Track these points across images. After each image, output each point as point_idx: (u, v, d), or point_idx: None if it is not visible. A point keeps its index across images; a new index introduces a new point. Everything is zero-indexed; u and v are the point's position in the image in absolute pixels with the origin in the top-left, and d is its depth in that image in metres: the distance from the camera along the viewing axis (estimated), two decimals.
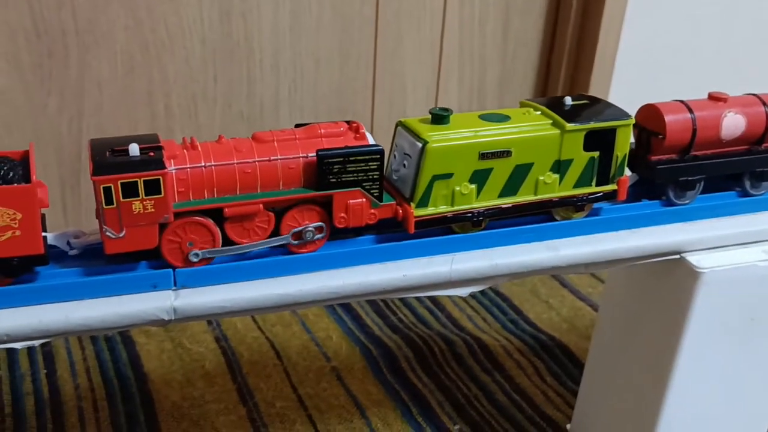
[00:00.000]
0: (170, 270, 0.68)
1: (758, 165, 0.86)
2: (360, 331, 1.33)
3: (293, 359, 1.24)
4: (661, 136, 0.82)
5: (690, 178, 0.83)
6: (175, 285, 0.68)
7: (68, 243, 0.70)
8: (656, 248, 0.81)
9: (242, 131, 1.46)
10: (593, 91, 1.64)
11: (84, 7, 1.26)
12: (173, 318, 0.67)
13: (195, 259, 0.68)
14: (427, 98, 1.60)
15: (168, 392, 1.16)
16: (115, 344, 1.26)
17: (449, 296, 0.80)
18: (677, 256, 0.82)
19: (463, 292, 0.76)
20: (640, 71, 1.68)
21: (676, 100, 0.84)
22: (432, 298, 1.42)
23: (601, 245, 0.79)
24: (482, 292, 1.45)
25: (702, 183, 0.85)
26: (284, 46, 1.42)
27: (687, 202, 0.85)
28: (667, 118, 0.81)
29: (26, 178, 0.63)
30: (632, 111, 0.85)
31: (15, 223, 0.62)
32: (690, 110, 0.82)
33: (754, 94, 0.86)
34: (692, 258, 0.81)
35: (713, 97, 0.85)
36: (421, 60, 1.56)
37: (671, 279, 0.84)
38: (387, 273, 0.72)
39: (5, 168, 0.63)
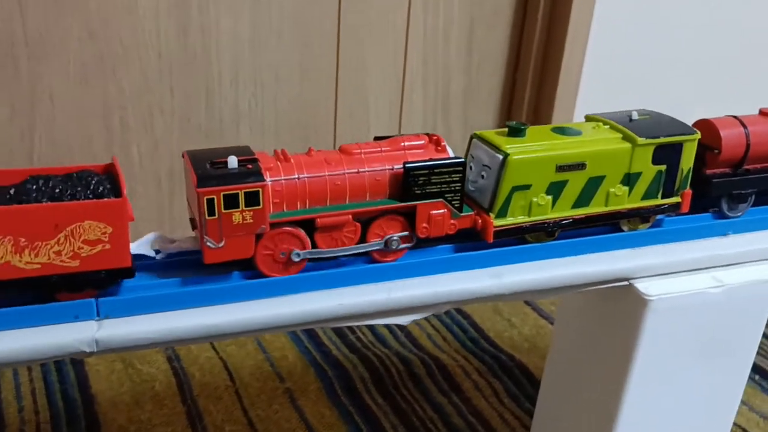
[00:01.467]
0: (93, 300, 0.65)
1: None
2: (316, 351, 1.30)
3: (246, 380, 1.21)
4: (716, 151, 0.84)
5: (743, 191, 0.86)
6: (98, 315, 0.65)
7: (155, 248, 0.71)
8: (604, 275, 0.79)
9: (201, 146, 1.43)
10: (558, 103, 1.62)
11: (35, 18, 1.22)
12: (95, 350, 0.64)
13: (296, 259, 0.69)
14: (390, 111, 1.58)
15: (115, 415, 1.12)
16: (63, 365, 1.22)
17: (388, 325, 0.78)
18: (626, 283, 0.80)
19: (404, 320, 0.74)
20: (607, 83, 1.67)
21: (730, 116, 0.87)
22: None
23: (546, 272, 0.77)
24: None
25: (753, 196, 0.87)
26: (243, 59, 1.40)
27: (739, 214, 0.87)
28: (723, 133, 0.84)
29: (115, 192, 0.63)
30: None
31: (105, 237, 0.62)
32: (744, 125, 0.85)
33: None
34: (640, 285, 0.80)
35: (764, 113, 0.89)
36: (385, 73, 1.54)
37: (621, 304, 0.83)
38: (321, 302, 0.70)
39: (93, 182, 0.63)
